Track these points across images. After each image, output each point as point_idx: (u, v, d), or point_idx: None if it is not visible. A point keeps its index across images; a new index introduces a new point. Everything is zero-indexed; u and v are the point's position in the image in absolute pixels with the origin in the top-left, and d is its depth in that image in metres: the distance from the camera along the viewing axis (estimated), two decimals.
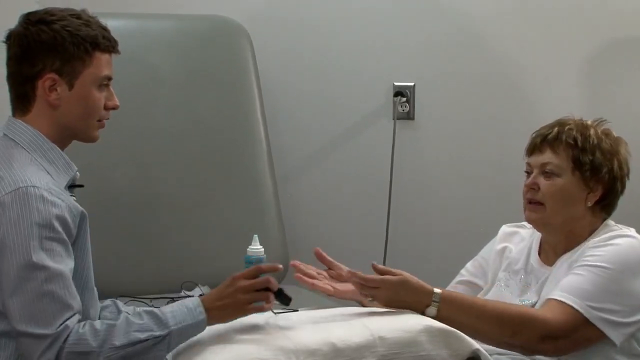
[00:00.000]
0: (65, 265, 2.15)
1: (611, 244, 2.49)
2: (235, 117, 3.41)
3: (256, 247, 2.70)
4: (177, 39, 3.42)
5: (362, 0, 3.70)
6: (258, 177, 3.39)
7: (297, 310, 2.56)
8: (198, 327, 2.21)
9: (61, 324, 2.11)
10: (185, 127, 3.34)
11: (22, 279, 2.11)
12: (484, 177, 3.71)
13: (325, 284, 2.59)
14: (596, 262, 2.45)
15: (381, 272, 2.47)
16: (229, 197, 3.34)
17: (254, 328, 2.30)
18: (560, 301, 2.42)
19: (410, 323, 2.34)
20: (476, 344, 2.35)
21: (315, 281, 2.58)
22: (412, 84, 3.70)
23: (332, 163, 3.76)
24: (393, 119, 3.68)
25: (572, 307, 2.41)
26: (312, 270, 2.63)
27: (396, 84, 3.69)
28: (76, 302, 2.15)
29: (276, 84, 3.63)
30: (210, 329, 2.30)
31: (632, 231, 2.57)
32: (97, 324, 2.16)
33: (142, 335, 2.15)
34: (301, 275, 2.57)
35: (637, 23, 3.57)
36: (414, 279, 2.46)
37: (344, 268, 2.65)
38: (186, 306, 2.23)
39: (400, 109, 3.69)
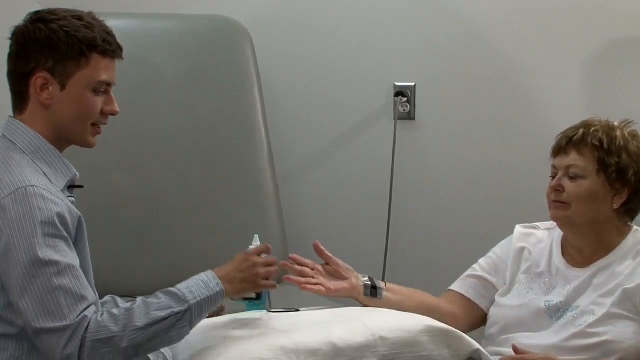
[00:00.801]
0: (72, 259, 2.16)
1: None
2: (236, 117, 3.41)
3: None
4: (179, 39, 3.43)
5: (363, 1, 3.68)
6: (259, 176, 3.39)
7: (298, 310, 2.57)
8: (216, 299, 2.25)
9: (79, 315, 2.11)
10: (186, 127, 3.34)
11: (31, 277, 2.11)
12: (485, 178, 3.69)
13: (318, 283, 2.59)
14: None
15: (522, 354, 2.50)
16: (230, 197, 3.34)
17: (255, 328, 2.34)
18: None
19: (411, 323, 2.36)
20: (477, 344, 2.38)
21: (307, 280, 2.58)
22: (412, 84, 3.68)
23: (333, 163, 3.75)
24: (394, 119, 3.66)
25: None
26: (308, 265, 2.63)
27: (397, 84, 3.68)
28: (90, 294, 2.17)
29: (277, 84, 3.63)
30: (211, 329, 2.35)
31: None
32: (115, 310, 2.17)
33: (163, 313, 2.16)
34: (291, 277, 2.58)
35: (638, 23, 3.57)
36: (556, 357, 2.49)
37: (341, 264, 2.68)
38: (202, 280, 2.26)
39: (401, 109, 3.67)
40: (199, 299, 2.21)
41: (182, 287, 2.24)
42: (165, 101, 3.33)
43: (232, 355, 2.17)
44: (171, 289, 2.24)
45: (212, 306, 2.23)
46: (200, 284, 2.24)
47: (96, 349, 2.11)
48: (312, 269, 2.62)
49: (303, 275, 2.59)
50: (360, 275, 2.67)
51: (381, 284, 2.68)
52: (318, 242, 2.67)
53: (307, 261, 2.64)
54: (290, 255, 2.65)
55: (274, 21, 3.68)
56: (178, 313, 2.18)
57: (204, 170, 3.33)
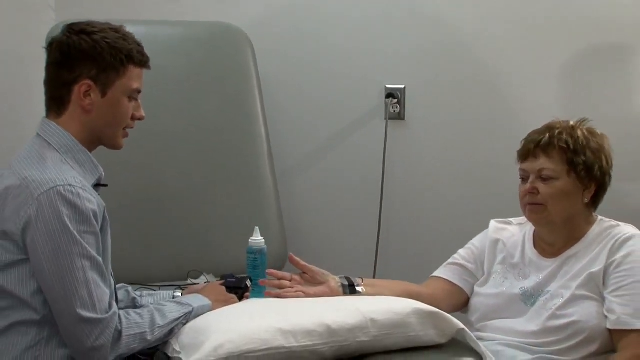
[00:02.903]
0: (99, 255, 2.22)
1: (631, 249, 2.52)
2: (237, 117, 3.41)
3: (257, 238, 2.71)
4: (184, 44, 3.43)
5: (356, 9, 3.70)
6: (259, 173, 3.39)
7: None
8: (206, 308, 2.42)
9: (110, 310, 2.21)
10: (191, 127, 3.35)
11: (70, 269, 2.16)
12: (469, 173, 3.71)
13: (297, 290, 2.59)
14: (638, 276, 2.48)
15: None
16: (232, 192, 3.35)
17: (254, 312, 2.37)
18: None
19: (400, 306, 2.39)
20: (461, 324, 2.41)
21: (286, 290, 2.59)
22: (402, 86, 3.70)
23: (328, 160, 3.77)
24: (385, 119, 3.68)
25: None
26: (285, 277, 2.64)
27: (388, 86, 3.70)
28: (109, 287, 2.25)
29: (276, 86, 3.64)
30: (213, 313, 2.41)
31: (629, 226, 2.61)
32: (137, 310, 2.32)
33: (177, 314, 2.33)
34: (270, 292, 2.61)
35: (609, 31, 3.59)
36: None
37: (317, 270, 2.67)
38: (193, 295, 2.47)
39: (391, 110, 3.69)
40: (197, 305, 2.38)
41: (182, 299, 2.43)
42: (172, 102, 3.33)
43: (233, 337, 2.20)
44: (173, 299, 2.47)
45: (202, 313, 2.39)
46: (194, 298, 2.44)
47: (129, 342, 2.23)
48: (290, 280, 2.63)
49: (281, 287, 2.61)
50: (337, 277, 2.67)
51: (358, 281, 2.68)
52: (292, 254, 2.67)
53: (284, 274, 2.66)
54: (268, 271, 2.66)
55: (273, 28, 3.70)
56: (187, 313, 2.35)
57: (208, 167, 3.34)
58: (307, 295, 2.58)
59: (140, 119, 2.40)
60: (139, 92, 2.37)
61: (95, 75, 2.28)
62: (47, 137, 2.29)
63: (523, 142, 2.65)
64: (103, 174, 2.37)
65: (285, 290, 2.59)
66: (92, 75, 2.28)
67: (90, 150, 2.34)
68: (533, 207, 2.60)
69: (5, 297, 2.22)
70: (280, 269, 3.02)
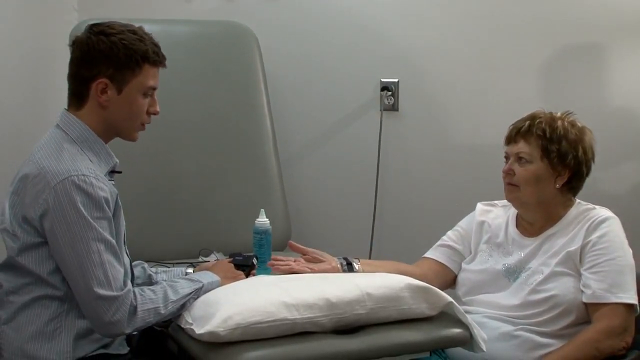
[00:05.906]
0: (112, 237, 2.20)
1: (606, 230, 2.52)
2: (245, 109, 3.40)
3: (263, 220, 2.70)
4: (197, 42, 3.42)
5: (355, 9, 3.70)
6: (264, 159, 3.39)
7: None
8: (215, 284, 2.37)
9: (125, 287, 2.17)
10: (203, 117, 3.33)
11: (86, 252, 2.15)
12: (457, 159, 3.71)
13: (303, 266, 2.61)
14: (612, 254, 2.50)
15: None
16: (240, 177, 3.34)
17: (261, 287, 2.36)
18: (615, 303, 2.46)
19: (394, 281, 2.38)
20: (450, 298, 2.40)
21: (291, 266, 2.60)
22: (396, 80, 3.70)
23: (329, 147, 3.77)
24: (380, 110, 3.69)
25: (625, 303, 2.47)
26: (290, 259, 2.64)
27: (383, 80, 3.70)
28: (123, 266, 2.23)
29: (280, 80, 3.64)
30: (223, 288, 2.39)
31: (604, 209, 2.61)
32: (151, 287, 2.29)
33: (188, 290, 2.30)
34: (278, 266, 2.61)
35: (584, 32, 3.60)
36: None
37: (317, 252, 2.68)
38: (204, 273, 2.43)
39: (386, 102, 3.70)
40: (206, 281, 2.35)
41: (193, 275, 2.39)
42: (185, 95, 3.31)
43: (241, 309, 2.19)
44: (185, 276, 2.44)
45: (212, 288, 2.35)
46: (204, 274, 2.39)
47: (144, 316, 2.21)
48: (295, 261, 2.64)
49: (288, 266, 2.62)
50: (335, 258, 2.68)
51: (355, 261, 2.68)
52: (291, 241, 2.69)
53: (288, 258, 2.66)
54: (273, 257, 2.66)
55: (278, 27, 3.69)
56: (198, 289, 2.31)
57: (218, 154, 3.33)
58: (313, 271, 2.58)
59: (154, 113, 2.36)
60: (154, 89, 2.34)
61: (112, 74, 2.26)
62: (66, 128, 2.28)
63: (509, 128, 2.67)
64: (117, 162, 2.36)
65: (291, 267, 2.59)
66: (109, 74, 2.25)
67: (107, 141, 2.33)
68: (509, 187, 2.63)
69: (26, 274, 2.22)
70: (284, 247, 3.03)
